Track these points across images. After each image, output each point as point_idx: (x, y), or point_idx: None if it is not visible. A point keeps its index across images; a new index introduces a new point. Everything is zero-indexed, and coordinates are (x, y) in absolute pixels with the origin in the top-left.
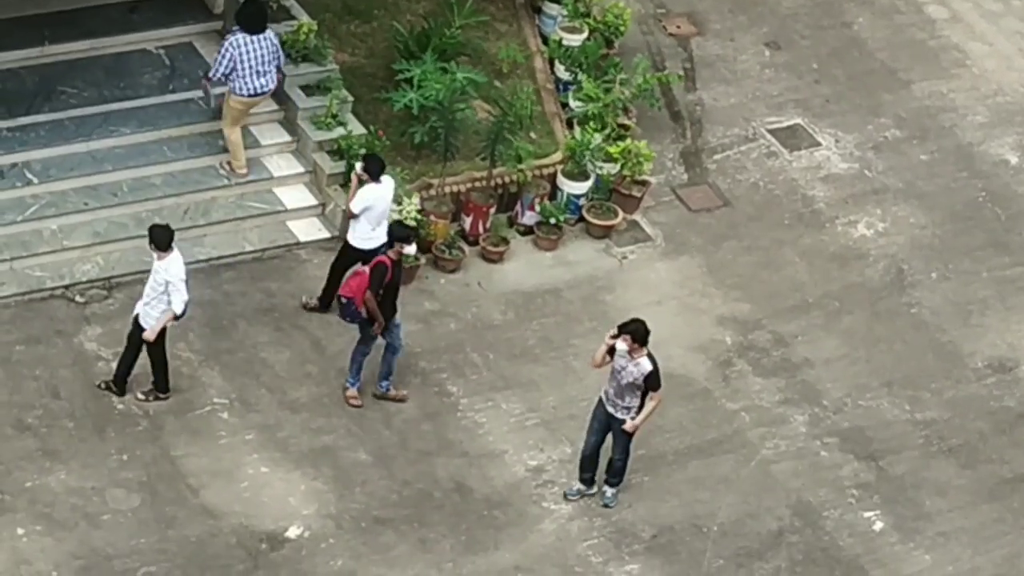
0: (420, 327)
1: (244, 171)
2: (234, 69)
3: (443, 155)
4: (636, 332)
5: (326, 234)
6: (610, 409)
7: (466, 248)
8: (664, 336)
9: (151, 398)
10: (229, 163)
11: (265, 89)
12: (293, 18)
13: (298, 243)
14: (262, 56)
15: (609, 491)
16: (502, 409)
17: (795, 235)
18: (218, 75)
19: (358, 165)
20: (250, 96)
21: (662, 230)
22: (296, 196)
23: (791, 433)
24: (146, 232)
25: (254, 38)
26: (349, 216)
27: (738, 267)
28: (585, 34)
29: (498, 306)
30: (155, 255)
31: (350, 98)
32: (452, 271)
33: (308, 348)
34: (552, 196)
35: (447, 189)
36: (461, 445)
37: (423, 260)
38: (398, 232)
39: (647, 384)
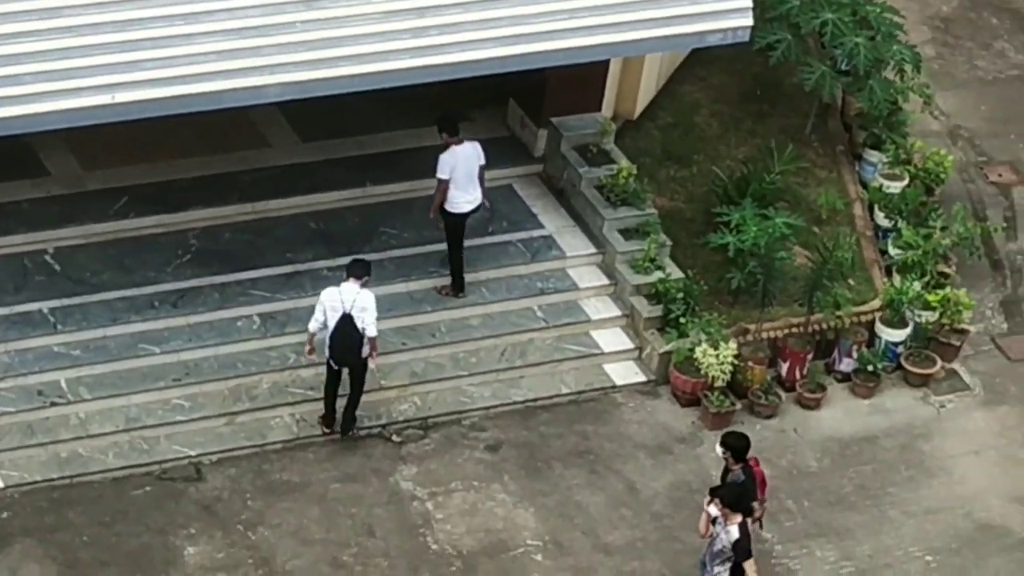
0: None
1: None
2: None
3: (761, 301)
4: (724, 496)
5: (643, 377)
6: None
7: (782, 394)
8: (982, 486)
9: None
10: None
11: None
12: (613, 162)
13: (614, 386)
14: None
15: None
16: (816, 556)
17: None
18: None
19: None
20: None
21: (981, 379)
22: (613, 339)
23: None
24: (464, 373)
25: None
26: (442, 190)
27: None
28: (905, 181)
29: (814, 453)
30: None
31: (668, 242)
32: (768, 417)
33: (622, 491)
34: (870, 343)
35: (764, 334)
36: None
37: (739, 405)
38: None
39: (735, 554)
